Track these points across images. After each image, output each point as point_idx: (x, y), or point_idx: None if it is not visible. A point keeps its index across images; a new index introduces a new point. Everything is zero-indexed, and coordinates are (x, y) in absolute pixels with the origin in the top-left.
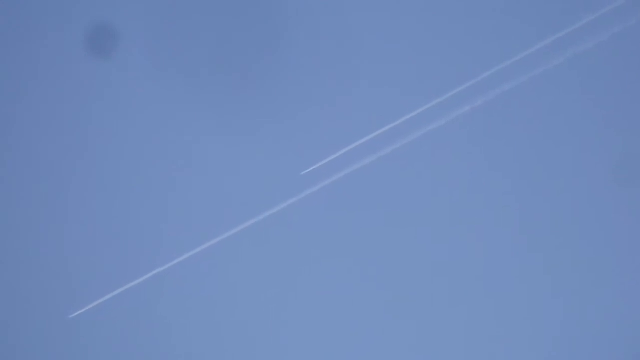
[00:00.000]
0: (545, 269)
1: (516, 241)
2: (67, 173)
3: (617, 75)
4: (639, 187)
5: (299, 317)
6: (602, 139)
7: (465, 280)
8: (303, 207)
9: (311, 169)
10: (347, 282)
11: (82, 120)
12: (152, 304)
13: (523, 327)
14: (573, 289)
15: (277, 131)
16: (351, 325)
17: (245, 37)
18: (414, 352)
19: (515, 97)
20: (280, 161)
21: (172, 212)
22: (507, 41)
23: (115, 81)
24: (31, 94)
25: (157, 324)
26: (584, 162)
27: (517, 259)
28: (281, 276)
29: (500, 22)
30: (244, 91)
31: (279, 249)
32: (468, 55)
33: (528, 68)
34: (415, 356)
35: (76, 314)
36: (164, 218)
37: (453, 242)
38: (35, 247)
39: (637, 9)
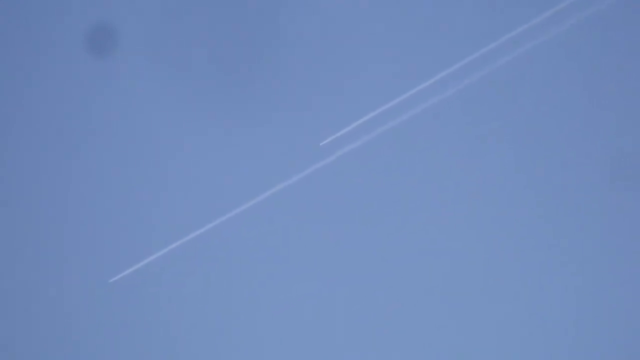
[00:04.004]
0: (546, 270)
1: (515, 234)
2: (67, 173)
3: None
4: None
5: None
6: (602, 128)
7: (465, 268)
8: (305, 186)
9: (315, 148)
10: (357, 267)
11: (80, 119)
12: (158, 285)
13: (521, 326)
14: (571, 285)
15: (275, 121)
16: (358, 308)
17: (246, 33)
18: (412, 345)
19: (516, 69)
20: (279, 147)
21: (173, 203)
22: (505, 16)
23: (115, 81)
24: (29, 92)
25: (161, 305)
26: (579, 146)
27: (516, 256)
28: (294, 255)
29: None
30: (244, 90)
31: (284, 230)
32: (470, 29)
33: (529, 40)
34: (414, 347)
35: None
36: (171, 202)
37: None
38: (35, 246)
39: None
